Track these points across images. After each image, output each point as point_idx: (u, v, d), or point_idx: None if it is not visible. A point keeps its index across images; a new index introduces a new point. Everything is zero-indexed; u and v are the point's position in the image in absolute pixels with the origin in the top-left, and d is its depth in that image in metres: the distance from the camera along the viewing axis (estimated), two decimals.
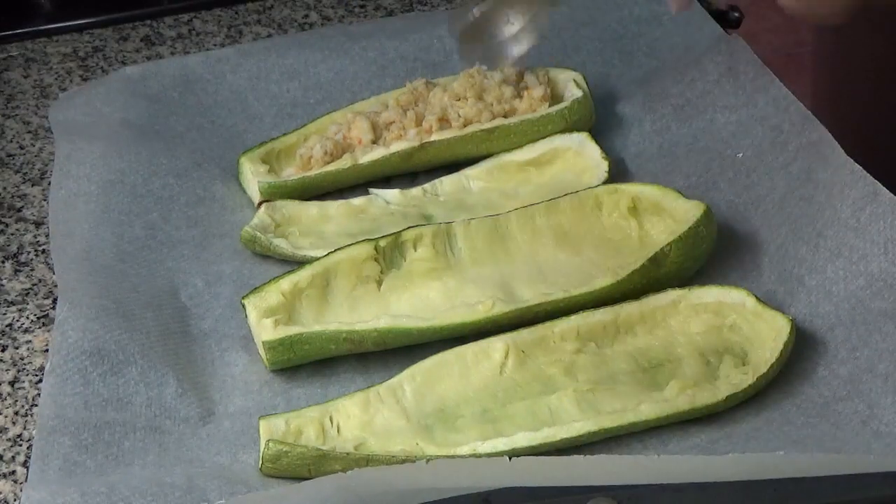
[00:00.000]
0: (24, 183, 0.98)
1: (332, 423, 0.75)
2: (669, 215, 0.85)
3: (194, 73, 1.04)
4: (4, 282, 0.88)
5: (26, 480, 0.71)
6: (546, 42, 0.97)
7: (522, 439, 0.71)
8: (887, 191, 0.79)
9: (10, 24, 1.17)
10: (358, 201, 0.92)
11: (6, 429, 0.77)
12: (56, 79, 1.10)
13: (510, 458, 0.62)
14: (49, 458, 0.71)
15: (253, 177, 0.93)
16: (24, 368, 0.81)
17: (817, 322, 0.78)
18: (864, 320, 0.76)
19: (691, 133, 0.96)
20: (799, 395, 0.74)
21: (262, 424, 0.74)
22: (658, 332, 0.79)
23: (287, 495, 0.65)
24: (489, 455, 0.71)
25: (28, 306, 0.86)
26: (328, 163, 0.94)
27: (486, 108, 0.95)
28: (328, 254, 0.83)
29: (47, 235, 0.89)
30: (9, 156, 1.01)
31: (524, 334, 0.78)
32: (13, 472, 0.74)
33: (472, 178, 0.94)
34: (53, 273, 0.86)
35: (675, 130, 0.97)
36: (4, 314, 0.86)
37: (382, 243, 0.84)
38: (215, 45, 1.14)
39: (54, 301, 0.85)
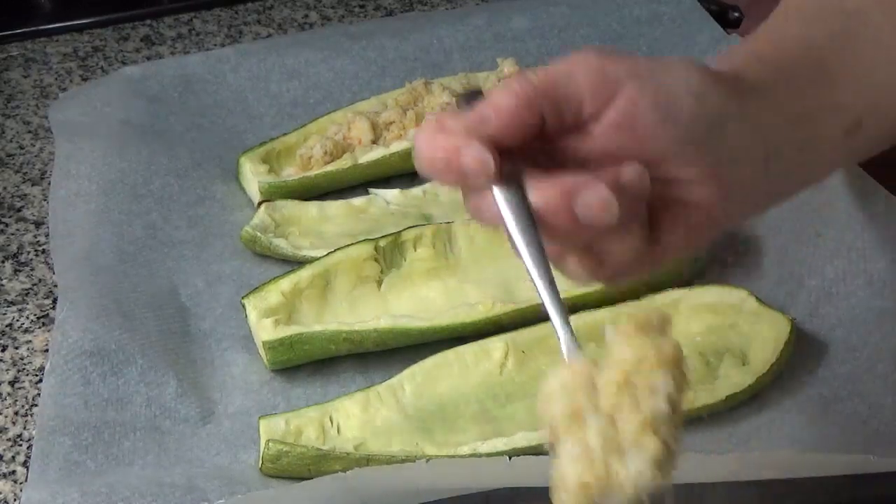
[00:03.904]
0: (24, 183, 0.98)
1: (332, 422, 0.75)
2: None
3: (194, 73, 1.03)
4: (4, 282, 0.88)
5: (26, 480, 0.71)
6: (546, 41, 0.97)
7: (522, 439, 0.71)
8: (887, 191, 0.79)
9: (10, 24, 1.16)
10: (358, 201, 0.92)
11: (6, 429, 0.77)
12: (56, 79, 1.10)
13: (510, 458, 0.62)
14: (49, 458, 0.71)
15: (253, 177, 0.93)
16: (24, 368, 0.81)
17: (817, 322, 0.78)
18: (864, 320, 0.76)
19: None
20: (799, 395, 0.74)
21: (262, 424, 0.74)
22: None
23: (287, 495, 0.65)
24: (489, 455, 0.71)
25: (28, 306, 0.86)
26: (328, 163, 0.94)
27: None
28: (328, 254, 0.83)
29: (47, 235, 0.89)
30: (9, 156, 1.01)
31: (524, 334, 0.78)
32: (13, 472, 0.74)
33: None
34: (53, 273, 0.86)
35: None
36: (4, 314, 0.86)
37: (382, 243, 0.84)
38: (215, 45, 1.13)
39: (54, 301, 0.85)
